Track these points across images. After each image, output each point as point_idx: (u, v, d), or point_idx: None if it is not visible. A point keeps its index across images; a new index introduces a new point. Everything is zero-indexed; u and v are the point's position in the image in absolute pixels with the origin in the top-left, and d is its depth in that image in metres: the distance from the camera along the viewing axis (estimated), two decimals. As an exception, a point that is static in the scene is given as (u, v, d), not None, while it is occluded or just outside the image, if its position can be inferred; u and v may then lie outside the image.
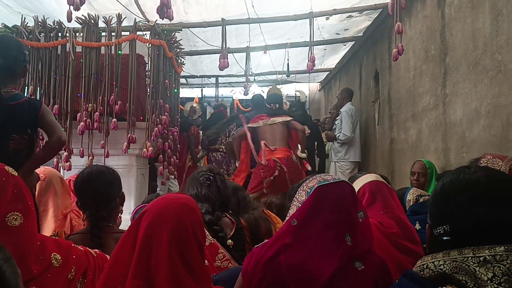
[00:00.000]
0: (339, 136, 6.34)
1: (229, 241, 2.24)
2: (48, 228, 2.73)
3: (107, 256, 1.74)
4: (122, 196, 2.24)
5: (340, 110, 6.55)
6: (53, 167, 4.20)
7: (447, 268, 1.02)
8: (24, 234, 1.41)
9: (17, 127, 2.52)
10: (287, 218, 1.67)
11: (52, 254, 1.50)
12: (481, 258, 0.99)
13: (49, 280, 1.45)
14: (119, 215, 2.31)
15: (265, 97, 6.01)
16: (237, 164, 5.94)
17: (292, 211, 1.65)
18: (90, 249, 1.70)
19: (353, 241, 1.55)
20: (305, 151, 5.70)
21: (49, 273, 1.46)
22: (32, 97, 4.55)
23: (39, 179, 2.71)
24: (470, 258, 1.00)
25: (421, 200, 3.05)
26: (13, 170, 1.52)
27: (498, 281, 0.96)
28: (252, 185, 5.27)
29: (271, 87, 6.20)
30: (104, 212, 2.07)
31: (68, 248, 1.59)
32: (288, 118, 5.55)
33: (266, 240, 1.68)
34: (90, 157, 4.56)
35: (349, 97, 6.61)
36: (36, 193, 2.77)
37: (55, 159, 4.61)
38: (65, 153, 4.56)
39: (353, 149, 6.37)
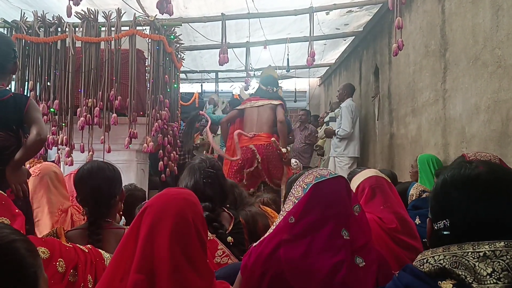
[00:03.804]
0: (338, 131, 6.32)
1: (229, 238, 2.24)
2: (44, 224, 2.71)
3: (101, 251, 1.75)
4: (122, 193, 2.23)
5: (340, 106, 6.53)
6: (55, 163, 4.21)
7: (447, 262, 1.02)
8: None
9: (2, 124, 2.47)
10: (282, 213, 1.66)
11: (37, 248, 1.51)
12: (481, 253, 0.99)
13: None
14: (119, 211, 2.31)
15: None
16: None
17: (288, 206, 1.65)
18: (80, 245, 1.70)
19: (350, 235, 1.56)
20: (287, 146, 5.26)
21: None
22: (31, 93, 4.56)
23: (29, 175, 2.68)
24: (470, 253, 1.01)
25: (424, 195, 3.06)
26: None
27: (498, 276, 0.97)
28: (229, 175, 5.04)
29: (265, 68, 6.03)
30: (104, 210, 2.06)
31: (52, 242, 1.60)
32: (277, 102, 5.21)
33: (262, 237, 1.68)
34: (90, 152, 4.56)
35: (351, 93, 6.56)
36: (30, 189, 2.75)
37: (56, 155, 4.61)
38: (67, 148, 4.57)
39: (352, 145, 6.34)
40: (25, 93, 4.56)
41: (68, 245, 1.66)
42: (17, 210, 1.55)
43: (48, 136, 4.08)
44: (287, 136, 5.25)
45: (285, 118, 5.39)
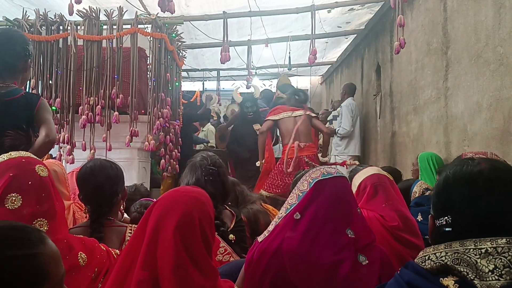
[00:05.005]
0: (338, 130, 6.35)
1: (231, 235, 2.24)
2: None
3: None
4: (124, 192, 2.22)
5: (341, 105, 6.58)
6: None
7: (449, 259, 1.02)
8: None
9: (12, 123, 2.46)
10: (285, 205, 1.66)
11: (79, 254, 1.50)
12: (483, 250, 0.99)
13: (74, 278, 1.45)
14: (121, 208, 2.31)
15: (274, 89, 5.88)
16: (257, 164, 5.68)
17: (292, 199, 1.65)
18: (112, 250, 1.70)
19: (355, 234, 1.56)
20: (327, 154, 5.60)
21: (74, 272, 1.46)
22: (33, 91, 4.56)
23: None
24: (471, 250, 1.01)
25: (427, 193, 3.06)
26: (44, 168, 1.51)
27: (499, 273, 0.96)
28: (269, 183, 5.11)
29: (281, 77, 6.10)
30: (106, 208, 2.05)
31: (92, 247, 1.59)
32: (313, 114, 5.40)
33: (265, 231, 1.68)
34: (92, 151, 4.57)
35: (351, 92, 6.62)
36: None
37: (57, 153, 4.62)
38: (68, 147, 4.57)
39: (352, 143, 6.38)
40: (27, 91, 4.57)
41: (102, 248, 1.65)
42: (56, 206, 1.49)
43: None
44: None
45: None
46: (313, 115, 5.44)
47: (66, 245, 1.48)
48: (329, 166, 1.77)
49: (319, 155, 5.49)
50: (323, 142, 5.45)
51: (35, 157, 1.57)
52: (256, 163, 5.67)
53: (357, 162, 5.84)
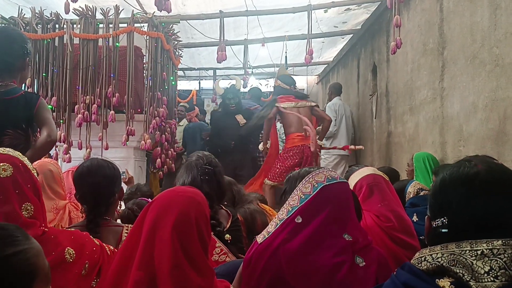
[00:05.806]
0: None
1: (227, 235, 2.23)
2: None
3: None
4: (121, 191, 2.22)
5: (325, 105, 6.68)
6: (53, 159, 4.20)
7: (445, 260, 1.03)
8: None
9: (12, 122, 2.45)
10: (286, 207, 1.66)
11: (66, 249, 1.47)
12: (479, 252, 1.00)
13: (61, 275, 1.42)
14: (118, 208, 2.30)
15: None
16: (260, 147, 5.76)
17: (294, 201, 1.64)
18: (106, 245, 1.68)
19: (353, 237, 1.57)
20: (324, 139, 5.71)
21: (61, 268, 1.43)
22: (29, 89, 4.54)
23: (38, 174, 2.66)
24: (467, 251, 1.01)
25: (421, 193, 3.08)
26: (8, 167, 1.45)
27: (495, 274, 0.97)
28: (275, 172, 5.18)
29: (280, 68, 6.14)
30: (102, 208, 2.04)
31: (82, 242, 1.57)
32: (314, 104, 5.52)
33: (264, 232, 1.67)
34: (88, 149, 4.56)
35: (336, 92, 6.74)
36: None
37: (54, 152, 4.61)
38: (65, 145, 4.57)
39: (337, 142, 6.41)
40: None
41: (96, 242, 1.64)
42: (19, 213, 1.41)
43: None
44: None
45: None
46: (314, 104, 5.51)
47: (53, 241, 1.47)
48: (330, 170, 1.75)
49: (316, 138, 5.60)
50: (323, 127, 5.52)
51: (7, 152, 1.50)
52: (259, 146, 5.74)
53: (362, 147, 5.91)
